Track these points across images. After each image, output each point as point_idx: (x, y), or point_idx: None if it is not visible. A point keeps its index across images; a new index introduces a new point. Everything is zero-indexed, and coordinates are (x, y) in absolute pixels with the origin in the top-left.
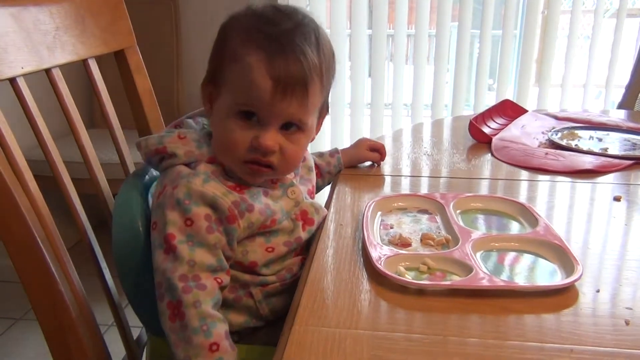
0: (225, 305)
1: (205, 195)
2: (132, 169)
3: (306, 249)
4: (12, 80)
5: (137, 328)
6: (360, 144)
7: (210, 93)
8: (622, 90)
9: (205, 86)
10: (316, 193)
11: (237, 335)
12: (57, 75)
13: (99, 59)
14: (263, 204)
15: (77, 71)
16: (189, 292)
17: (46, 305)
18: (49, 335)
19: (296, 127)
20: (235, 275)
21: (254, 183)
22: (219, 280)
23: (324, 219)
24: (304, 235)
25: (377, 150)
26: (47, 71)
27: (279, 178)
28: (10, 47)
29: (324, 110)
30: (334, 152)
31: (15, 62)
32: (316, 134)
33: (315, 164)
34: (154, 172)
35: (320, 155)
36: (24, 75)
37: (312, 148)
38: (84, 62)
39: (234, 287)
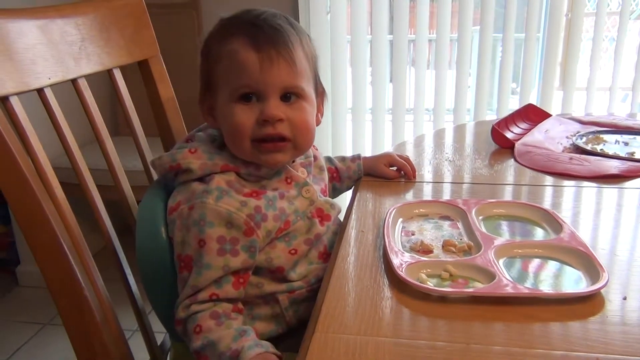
0: (251, 313)
1: (219, 213)
2: (155, 176)
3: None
4: (40, 91)
5: (161, 334)
6: (381, 157)
7: (209, 106)
8: None
9: (203, 103)
10: (335, 197)
11: None
12: (83, 85)
13: (123, 68)
14: (278, 209)
15: (101, 80)
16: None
17: (72, 310)
18: (75, 340)
19: (295, 96)
20: (262, 282)
21: (274, 167)
22: (214, 296)
23: (339, 213)
24: (322, 230)
25: (400, 168)
26: (73, 81)
27: (293, 177)
28: (38, 58)
29: (319, 88)
30: (355, 158)
31: (42, 73)
32: (320, 115)
33: (336, 168)
34: None
35: (342, 159)
36: (51, 85)
37: (333, 153)
38: (108, 72)
39: (261, 294)
